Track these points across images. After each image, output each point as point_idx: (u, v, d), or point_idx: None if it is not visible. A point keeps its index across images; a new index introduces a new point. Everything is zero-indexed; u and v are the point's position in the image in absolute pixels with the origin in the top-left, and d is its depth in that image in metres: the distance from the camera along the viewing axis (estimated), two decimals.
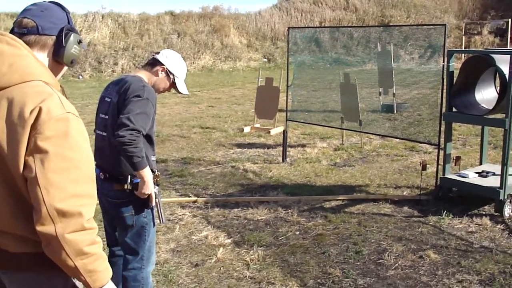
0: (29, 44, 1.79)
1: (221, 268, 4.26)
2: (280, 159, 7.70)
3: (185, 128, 10.29)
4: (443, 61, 5.71)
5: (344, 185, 6.52)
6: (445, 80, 5.68)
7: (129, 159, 2.87)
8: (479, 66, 5.69)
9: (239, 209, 5.64)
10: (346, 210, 5.58)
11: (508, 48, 18.01)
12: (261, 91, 9.78)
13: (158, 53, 3.25)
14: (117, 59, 20.58)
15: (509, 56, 5.09)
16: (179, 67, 3.26)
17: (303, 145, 8.71)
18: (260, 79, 10.15)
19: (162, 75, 3.20)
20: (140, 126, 2.88)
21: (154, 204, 3.12)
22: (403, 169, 7.14)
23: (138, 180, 2.97)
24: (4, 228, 1.74)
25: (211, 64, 23.02)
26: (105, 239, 3.36)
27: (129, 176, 3.01)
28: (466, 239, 4.79)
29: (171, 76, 3.22)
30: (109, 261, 1.83)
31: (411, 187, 6.33)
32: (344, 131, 8.66)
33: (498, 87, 5.57)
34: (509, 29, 21.38)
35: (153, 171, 3.09)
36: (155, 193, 3.07)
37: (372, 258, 4.43)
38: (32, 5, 1.86)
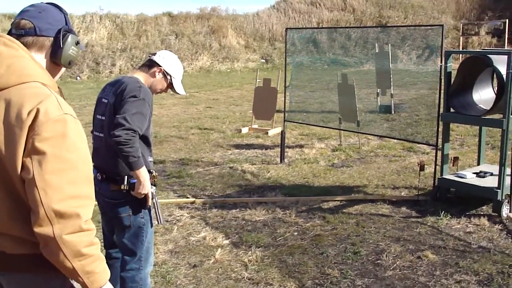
0: (27, 45, 1.79)
1: (219, 269, 4.25)
2: (278, 160, 7.70)
3: (183, 129, 10.28)
4: (441, 62, 5.71)
5: (342, 185, 6.52)
6: (442, 81, 5.69)
7: (125, 159, 2.87)
8: (476, 67, 5.70)
9: (237, 210, 5.64)
10: (344, 210, 5.58)
11: (506, 48, 18.04)
12: (259, 92, 9.78)
13: (154, 54, 3.26)
14: (115, 60, 20.57)
15: (506, 56, 5.10)
16: (176, 68, 3.27)
17: (301, 146, 8.71)
18: (258, 80, 10.15)
19: (159, 76, 3.21)
20: (136, 126, 2.89)
21: (151, 204, 3.12)
22: (401, 170, 7.15)
23: (135, 180, 2.98)
24: (2, 230, 1.74)
25: (209, 65, 23.02)
26: (102, 241, 3.35)
27: (126, 177, 3.01)
28: (464, 239, 4.80)
29: (168, 77, 3.24)
30: None
31: (409, 188, 6.33)
32: (342, 131, 8.66)
33: (496, 88, 5.59)
34: (507, 30, 21.41)
35: (150, 172, 3.10)
36: (152, 193, 3.07)
37: (370, 258, 4.43)
38: (29, 6, 1.86)
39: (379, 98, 11.61)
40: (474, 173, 5.85)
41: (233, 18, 26.25)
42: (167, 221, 5.30)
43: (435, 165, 5.96)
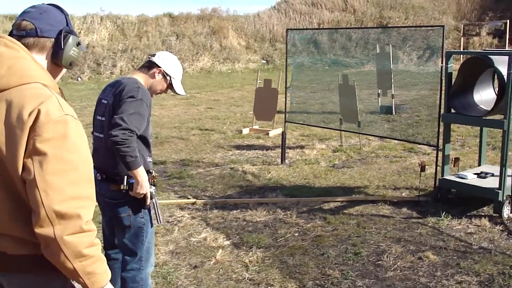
0: (28, 46, 1.80)
1: (220, 270, 4.25)
2: (279, 160, 7.70)
3: (183, 130, 10.28)
4: (442, 63, 5.71)
5: (343, 186, 6.52)
6: (443, 81, 5.69)
7: (122, 159, 2.89)
8: (477, 67, 5.70)
9: (238, 210, 5.64)
10: (345, 211, 5.58)
11: (507, 49, 18.04)
12: (260, 93, 9.79)
13: (154, 55, 3.28)
14: (115, 61, 20.59)
15: (507, 57, 5.10)
16: (175, 69, 3.29)
17: (302, 147, 8.71)
18: (258, 81, 10.15)
19: (159, 77, 3.23)
20: (134, 126, 2.90)
21: (149, 204, 3.12)
22: (402, 170, 7.15)
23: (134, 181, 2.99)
24: (3, 230, 1.74)
25: (210, 65, 23.03)
26: (102, 242, 3.35)
27: (125, 177, 3.03)
28: (465, 240, 4.80)
29: (168, 78, 3.26)
30: None
31: (410, 188, 6.33)
32: (343, 132, 8.66)
33: (497, 88, 5.58)
34: (508, 30, 21.40)
35: (150, 172, 3.11)
36: (151, 193, 3.08)
37: (371, 259, 4.43)
38: (31, 7, 1.86)
39: (380, 98, 11.60)
40: (475, 173, 5.84)
41: (234, 19, 26.26)
42: (168, 222, 5.31)
43: (436, 165, 5.95)
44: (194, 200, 5.96)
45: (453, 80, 5.73)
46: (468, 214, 5.40)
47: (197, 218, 5.43)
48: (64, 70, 1.94)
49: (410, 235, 4.93)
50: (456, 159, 5.91)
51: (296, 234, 4.99)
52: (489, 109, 5.51)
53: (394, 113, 11.16)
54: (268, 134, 9.65)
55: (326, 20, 26.99)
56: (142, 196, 3.04)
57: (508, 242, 4.73)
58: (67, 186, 1.65)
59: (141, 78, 3.20)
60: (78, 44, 1.90)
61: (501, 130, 5.31)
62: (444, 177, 5.77)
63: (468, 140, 8.93)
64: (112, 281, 1.84)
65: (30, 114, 1.66)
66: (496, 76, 5.54)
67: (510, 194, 5.33)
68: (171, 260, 4.44)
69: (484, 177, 5.73)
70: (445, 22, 24.28)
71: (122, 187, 3.03)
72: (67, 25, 1.88)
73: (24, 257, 1.75)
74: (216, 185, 6.60)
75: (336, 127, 8.66)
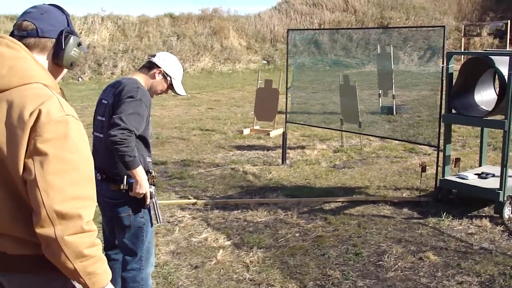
0: (29, 46, 1.80)
1: (221, 270, 4.25)
2: (280, 161, 7.70)
3: (184, 130, 10.29)
4: (443, 63, 5.71)
5: (344, 187, 6.52)
6: (444, 82, 5.69)
7: (121, 158, 2.90)
8: (478, 68, 5.70)
9: (239, 211, 5.64)
10: (346, 212, 5.58)
11: (507, 49, 18.03)
12: (261, 93, 9.79)
13: (154, 56, 3.30)
14: (116, 61, 20.60)
15: (508, 57, 5.09)
16: (176, 69, 3.30)
17: (303, 147, 8.71)
18: (259, 81, 10.16)
19: (159, 77, 3.25)
20: (132, 126, 2.92)
21: (149, 204, 3.13)
22: (403, 171, 7.15)
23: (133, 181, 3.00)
24: (4, 230, 1.74)
25: (211, 66, 23.04)
26: (102, 242, 3.36)
27: (125, 177, 3.04)
28: (465, 240, 4.79)
29: (168, 78, 3.28)
30: None
31: (410, 189, 6.33)
32: (344, 133, 8.66)
33: (498, 89, 5.58)
34: (508, 31, 21.38)
35: (149, 172, 3.13)
36: (151, 193, 3.09)
37: (371, 260, 4.43)
38: (32, 7, 1.87)
39: (380, 99, 11.60)
40: (475, 174, 5.84)
41: (235, 19, 26.26)
42: (168, 222, 5.31)
43: (437, 166, 5.95)
44: (195, 200, 5.96)
45: (454, 81, 5.73)
46: (469, 214, 5.40)
47: (198, 218, 5.43)
48: (65, 70, 1.94)
49: (411, 235, 4.93)
50: (457, 160, 5.91)
51: (297, 235, 4.99)
52: (490, 109, 5.50)
53: (395, 114, 11.16)
54: (269, 134, 9.65)
55: (327, 21, 26.98)
56: (142, 196, 3.05)
57: (509, 243, 4.72)
58: (68, 186, 1.65)
59: (141, 78, 3.21)
60: (79, 44, 1.90)
61: (502, 130, 5.31)
62: (445, 177, 5.77)
63: (469, 141, 8.93)
64: (112, 281, 1.84)
65: (31, 114, 1.66)
66: (497, 77, 5.54)
67: (511, 194, 5.33)
68: (172, 260, 4.44)
69: (485, 178, 5.72)
70: (446, 23, 24.28)
71: (122, 187, 3.04)
72: (68, 25, 1.88)
73: (24, 257, 1.75)
74: (217, 185, 6.60)
75: (337, 128, 8.66)
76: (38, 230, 1.63)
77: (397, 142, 8.59)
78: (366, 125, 9.41)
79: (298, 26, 25.71)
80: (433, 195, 5.92)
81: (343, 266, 4.32)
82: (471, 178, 5.71)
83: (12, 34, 1.83)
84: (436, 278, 4.09)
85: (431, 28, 22.18)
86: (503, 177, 5.26)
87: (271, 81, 9.78)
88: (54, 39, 1.84)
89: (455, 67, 5.86)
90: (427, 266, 4.29)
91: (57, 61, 1.86)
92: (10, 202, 1.72)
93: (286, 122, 7.98)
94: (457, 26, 25.94)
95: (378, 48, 12.66)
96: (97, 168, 3.05)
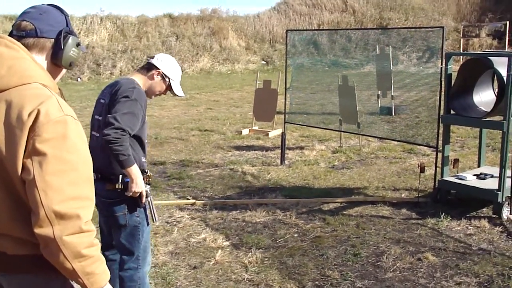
0: (28, 46, 1.80)
1: (220, 271, 4.25)
2: (279, 161, 7.70)
3: (183, 130, 10.29)
4: (441, 64, 5.72)
5: (343, 187, 6.52)
6: (443, 83, 5.69)
7: (115, 157, 2.93)
8: (477, 69, 5.71)
9: (238, 211, 5.64)
10: (345, 212, 5.58)
11: (506, 50, 18.05)
12: (260, 94, 9.79)
13: (152, 57, 3.33)
14: (115, 62, 20.59)
15: (507, 58, 5.10)
16: (174, 70, 3.33)
17: (302, 148, 8.71)
18: (258, 82, 10.16)
19: (157, 78, 3.28)
20: (126, 125, 2.94)
21: (144, 203, 3.15)
22: (402, 172, 7.15)
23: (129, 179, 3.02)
24: (3, 230, 1.74)
25: (210, 66, 23.04)
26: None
27: (120, 176, 3.06)
28: (464, 241, 4.80)
29: (167, 79, 3.30)
30: None
31: (409, 190, 6.33)
32: (343, 133, 8.66)
33: (496, 90, 5.59)
34: (507, 32, 21.41)
35: (145, 172, 3.15)
36: (146, 192, 3.11)
37: (370, 260, 4.43)
38: (31, 8, 1.87)
39: (379, 100, 11.61)
40: (474, 175, 5.85)
41: (234, 19, 26.27)
42: (167, 222, 5.31)
43: (436, 167, 5.95)
44: (194, 200, 5.96)
45: (453, 81, 5.73)
46: (468, 215, 5.40)
47: (197, 218, 5.43)
48: (64, 70, 1.95)
49: (410, 236, 4.93)
50: (456, 160, 5.92)
51: (296, 235, 4.99)
52: (488, 110, 5.51)
53: (393, 114, 11.17)
54: (267, 135, 9.65)
55: (326, 21, 26.99)
56: (138, 194, 3.06)
57: (508, 243, 4.73)
58: (67, 187, 1.65)
59: (140, 79, 3.24)
60: (78, 44, 1.90)
61: (501, 131, 5.32)
62: (444, 178, 5.78)
63: (467, 141, 8.94)
64: (110, 282, 1.84)
65: (29, 114, 1.66)
66: (495, 78, 5.55)
67: (510, 195, 5.33)
68: (171, 261, 4.44)
69: (484, 178, 5.73)
70: (444, 24, 24.31)
71: (117, 186, 3.07)
72: (67, 25, 1.88)
73: (23, 257, 1.75)
74: (215, 185, 6.60)
75: (335, 128, 8.67)
76: (37, 230, 1.63)
77: (396, 142, 8.60)
78: (365, 126, 9.41)
79: (297, 27, 25.72)
80: (431, 196, 5.92)
81: (342, 266, 4.32)
82: (470, 179, 5.72)
83: (11, 34, 1.83)
84: (435, 278, 4.09)
85: (430, 29, 22.19)
86: (501, 178, 5.26)
87: (270, 82, 9.78)
88: (53, 39, 1.84)
89: (454, 68, 5.86)
90: (426, 266, 4.29)
91: (56, 61, 1.86)
92: (9, 202, 1.72)
93: (285, 122, 7.98)
94: (456, 27, 25.97)
95: (377, 48, 12.67)
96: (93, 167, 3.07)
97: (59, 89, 1.86)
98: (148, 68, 3.28)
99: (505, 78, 5.12)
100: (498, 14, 26.11)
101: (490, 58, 5.49)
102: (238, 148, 8.75)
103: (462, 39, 23.94)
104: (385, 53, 11.99)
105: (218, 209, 5.72)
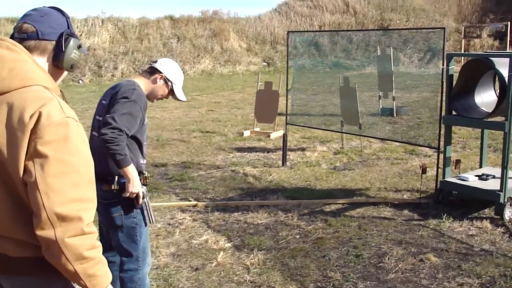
0: (29, 49, 1.80)
1: (222, 272, 4.25)
2: (280, 163, 7.70)
3: (185, 132, 10.29)
4: (443, 65, 5.71)
5: (344, 188, 6.52)
6: (444, 84, 5.69)
7: (112, 157, 2.95)
8: (478, 69, 5.70)
9: (239, 213, 5.64)
10: (346, 213, 5.58)
11: (508, 51, 18.04)
12: (261, 95, 9.79)
13: (156, 61, 3.38)
14: (117, 64, 20.61)
15: (508, 59, 5.10)
16: (177, 75, 3.38)
17: (303, 149, 8.71)
18: (259, 83, 10.16)
19: (160, 82, 3.32)
20: (124, 126, 2.96)
21: (141, 204, 3.16)
22: (403, 173, 7.14)
23: (125, 180, 3.04)
24: (4, 233, 1.74)
25: (211, 68, 23.05)
26: None
27: (116, 177, 3.08)
28: (466, 242, 4.79)
29: (169, 84, 3.34)
30: None
31: (411, 191, 6.33)
32: (344, 134, 8.66)
33: (498, 90, 5.58)
34: (508, 32, 21.40)
35: (142, 173, 3.18)
36: (143, 192, 3.12)
37: (372, 261, 4.43)
38: (32, 10, 1.87)
39: (381, 101, 11.60)
40: (476, 175, 5.84)
41: (235, 21, 26.27)
42: (169, 224, 5.31)
43: (437, 168, 5.95)
44: (195, 202, 5.96)
45: (454, 82, 5.73)
46: (470, 216, 5.39)
47: (198, 220, 5.43)
48: (65, 72, 1.95)
49: (412, 237, 4.92)
50: (457, 161, 5.91)
51: (297, 236, 4.99)
52: (490, 111, 5.50)
53: (395, 115, 11.16)
54: (269, 136, 9.66)
55: (327, 23, 26.99)
56: (135, 195, 3.07)
57: (510, 244, 4.72)
58: (68, 189, 1.65)
59: (142, 82, 3.28)
60: (79, 46, 1.90)
61: (502, 132, 5.31)
62: (445, 179, 5.77)
63: (469, 142, 8.93)
64: (112, 284, 1.84)
65: (31, 116, 1.66)
66: (497, 78, 5.54)
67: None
68: (172, 263, 4.44)
69: (485, 179, 5.72)
70: (446, 24, 24.31)
71: (113, 187, 3.09)
72: (68, 27, 1.88)
73: (25, 259, 1.75)
74: (217, 187, 6.60)
75: (337, 129, 8.66)
76: (39, 232, 1.63)
77: (397, 143, 8.60)
78: (366, 127, 9.41)
79: (298, 28, 25.73)
80: (433, 197, 5.92)
81: (344, 268, 4.32)
82: (472, 180, 5.71)
83: (12, 37, 1.83)
84: (437, 279, 4.08)
85: (431, 30, 22.17)
86: (503, 178, 5.26)
87: (271, 83, 9.78)
88: (54, 42, 1.84)
89: (455, 68, 5.87)
90: (428, 267, 4.29)
91: (57, 63, 1.86)
92: (11, 204, 1.72)
93: (286, 124, 7.98)
94: (457, 28, 25.96)
95: (378, 50, 12.66)
96: None
97: (60, 91, 1.86)
98: (151, 72, 3.32)
99: (506, 79, 5.12)
100: (499, 15, 26.09)
101: (492, 58, 5.49)
102: (239, 149, 8.75)
103: (463, 40, 23.93)
104: (386, 54, 11.99)
105: (220, 210, 5.72)
